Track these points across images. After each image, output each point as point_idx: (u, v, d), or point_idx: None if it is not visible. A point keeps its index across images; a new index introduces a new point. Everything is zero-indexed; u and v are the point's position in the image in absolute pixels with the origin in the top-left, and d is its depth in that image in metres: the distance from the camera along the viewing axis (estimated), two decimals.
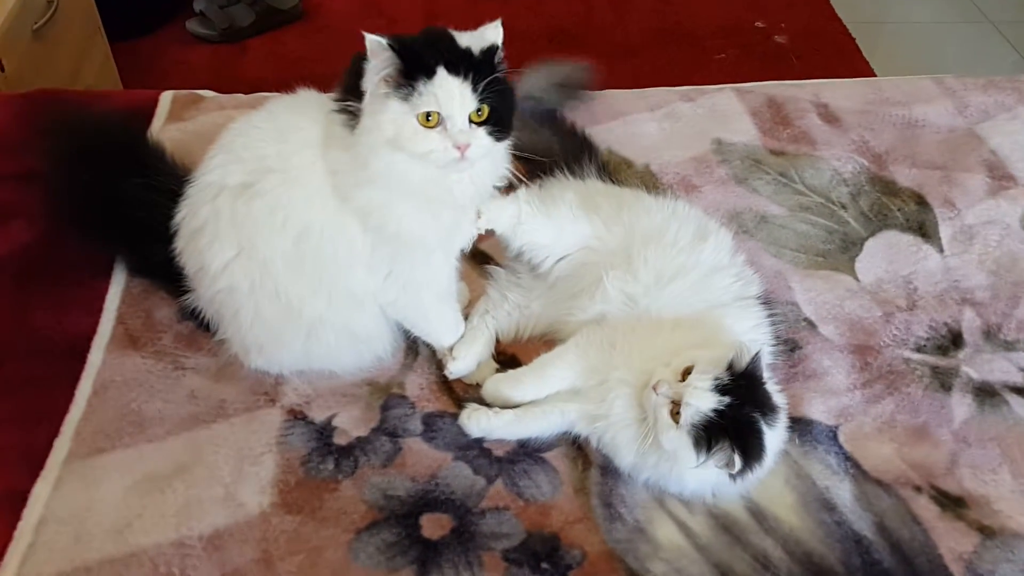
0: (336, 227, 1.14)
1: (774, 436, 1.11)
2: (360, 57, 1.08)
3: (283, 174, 1.13)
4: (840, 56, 3.07)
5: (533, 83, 1.63)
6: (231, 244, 1.15)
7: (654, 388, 1.08)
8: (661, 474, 1.13)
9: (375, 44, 1.03)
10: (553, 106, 1.66)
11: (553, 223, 1.35)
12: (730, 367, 1.08)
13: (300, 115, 1.17)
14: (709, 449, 1.05)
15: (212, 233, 1.16)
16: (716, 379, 1.06)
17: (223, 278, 1.17)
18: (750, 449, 1.06)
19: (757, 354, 1.09)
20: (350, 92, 1.10)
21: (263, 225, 1.13)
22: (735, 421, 1.05)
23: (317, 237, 1.14)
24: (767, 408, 1.09)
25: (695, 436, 1.06)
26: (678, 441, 1.07)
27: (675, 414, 1.07)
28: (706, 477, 1.10)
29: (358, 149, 1.09)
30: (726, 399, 1.05)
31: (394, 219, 1.13)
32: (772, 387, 1.15)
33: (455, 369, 1.27)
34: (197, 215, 1.17)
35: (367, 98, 1.07)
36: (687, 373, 1.09)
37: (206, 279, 1.19)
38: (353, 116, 1.09)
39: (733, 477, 1.07)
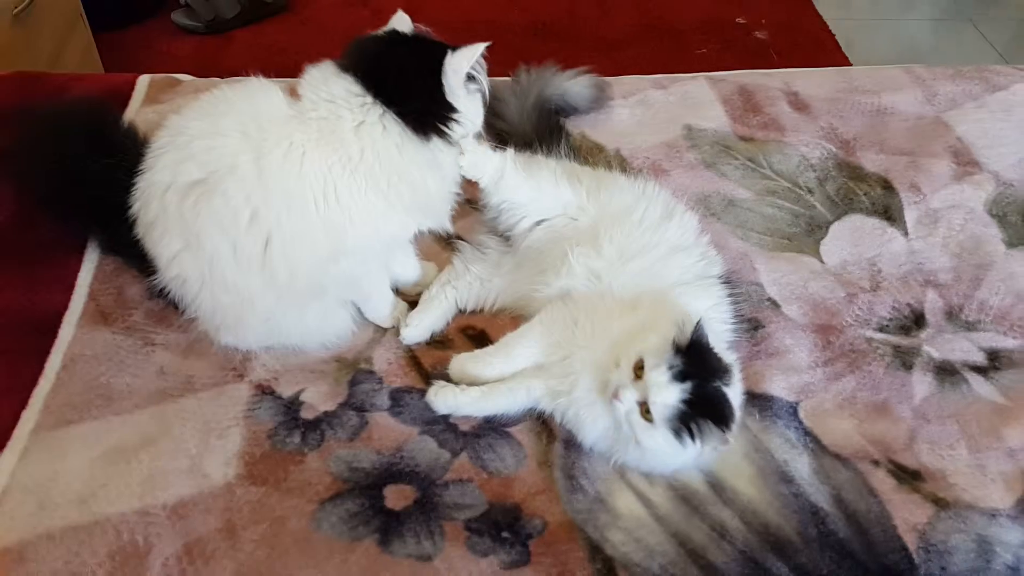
0: (303, 228, 1.13)
1: (735, 393, 1.13)
2: (423, 50, 1.15)
3: (250, 175, 1.10)
4: (820, 51, 3.11)
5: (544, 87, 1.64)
6: (178, 238, 1.16)
7: (615, 397, 1.09)
8: (621, 448, 1.14)
9: None
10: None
11: (535, 184, 1.35)
12: (676, 347, 1.08)
13: (261, 110, 1.15)
14: (693, 436, 1.06)
15: (162, 226, 1.16)
16: (671, 367, 1.07)
17: (173, 268, 1.19)
18: (726, 417, 1.07)
19: (698, 323, 1.10)
20: (414, 94, 1.14)
21: (214, 223, 1.12)
22: (705, 400, 1.06)
23: (280, 238, 1.13)
24: (722, 371, 1.11)
25: (674, 429, 1.07)
26: (660, 438, 1.08)
27: (645, 412, 1.08)
28: (673, 451, 1.10)
29: (427, 159, 1.16)
30: (688, 385, 1.06)
31: (395, 223, 1.17)
32: (718, 347, 1.16)
33: (407, 335, 1.30)
34: (148, 209, 1.18)
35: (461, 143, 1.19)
36: (640, 368, 1.09)
37: (160, 267, 1.21)
38: (427, 128, 1.14)
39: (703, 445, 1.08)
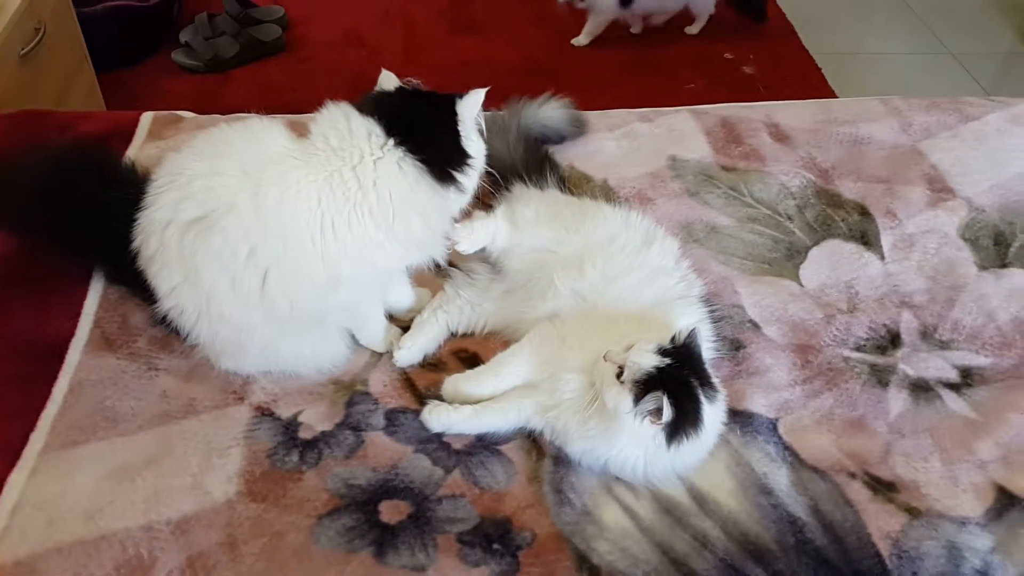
0: (300, 262, 1.17)
1: (713, 412, 1.18)
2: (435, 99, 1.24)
3: (248, 213, 1.15)
4: (806, 86, 3.16)
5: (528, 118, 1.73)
6: (177, 272, 1.21)
7: (604, 358, 1.16)
8: (598, 437, 1.18)
9: None
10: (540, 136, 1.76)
11: (519, 231, 1.44)
12: (672, 340, 1.16)
13: (261, 148, 1.20)
14: (642, 402, 1.11)
15: (161, 260, 1.21)
16: (658, 345, 1.14)
17: (171, 299, 1.24)
18: (684, 408, 1.12)
19: (694, 330, 1.17)
20: (437, 143, 1.22)
21: (212, 258, 1.17)
22: (672, 379, 1.12)
23: (277, 276, 1.18)
24: (704, 378, 1.17)
25: (635, 393, 1.12)
26: (619, 396, 1.13)
27: (620, 377, 1.13)
28: (639, 439, 1.15)
29: (441, 207, 1.24)
30: (666, 360, 1.13)
31: (393, 255, 1.23)
32: (711, 371, 1.22)
33: (400, 357, 1.36)
34: (149, 244, 1.22)
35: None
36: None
37: (160, 298, 1.26)
38: (446, 176, 1.22)
39: (667, 438, 1.13)
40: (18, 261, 1.46)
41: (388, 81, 1.27)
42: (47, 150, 1.58)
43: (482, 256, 1.47)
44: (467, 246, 1.43)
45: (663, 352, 1.14)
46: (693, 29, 3.38)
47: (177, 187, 1.19)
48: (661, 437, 1.14)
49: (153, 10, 3.04)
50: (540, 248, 1.42)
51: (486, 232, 1.45)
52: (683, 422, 1.14)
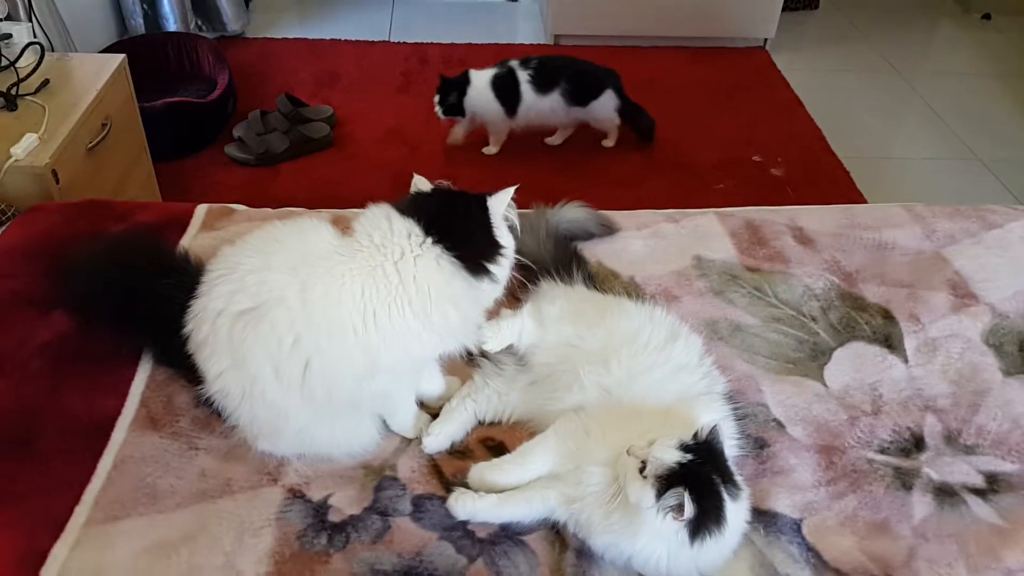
0: (341, 352, 1.24)
1: (736, 510, 1.19)
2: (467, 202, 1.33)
3: (296, 306, 1.22)
4: (835, 189, 3.23)
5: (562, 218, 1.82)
6: (226, 358, 1.28)
7: (627, 452, 1.19)
8: (621, 531, 1.20)
9: None
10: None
11: (544, 328, 1.51)
12: (694, 436, 1.19)
13: (309, 245, 1.28)
14: (674, 503, 1.13)
15: (211, 346, 1.29)
16: (681, 441, 1.17)
17: (218, 383, 1.31)
18: (706, 505, 1.14)
19: (716, 427, 1.20)
20: (472, 242, 1.30)
21: (259, 347, 1.24)
22: (694, 475, 1.14)
23: (319, 364, 1.25)
24: (727, 475, 1.19)
25: (658, 488, 1.14)
26: (642, 491, 1.15)
27: (643, 472, 1.16)
28: (662, 535, 1.16)
29: (474, 298, 1.32)
30: (688, 456, 1.15)
31: (427, 343, 1.29)
32: (734, 469, 1.24)
33: (429, 444, 1.41)
34: (200, 330, 1.30)
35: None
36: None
37: (207, 381, 1.33)
38: (479, 270, 1.30)
39: (689, 535, 1.14)
40: (74, 340, 1.54)
41: (420, 183, 1.36)
42: (107, 238, 1.70)
43: (510, 350, 1.53)
44: (494, 344, 1.49)
45: (685, 448, 1.17)
46: (608, 142, 3.38)
47: (231, 280, 1.27)
48: (684, 533, 1.15)
49: (209, 106, 3.22)
50: (564, 343, 1.47)
51: (512, 330, 1.51)
52: (705, 519, 1.15)
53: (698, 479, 1.15)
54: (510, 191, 1.33)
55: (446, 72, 3.18)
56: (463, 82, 3.10)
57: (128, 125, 2.54)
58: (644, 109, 3.35)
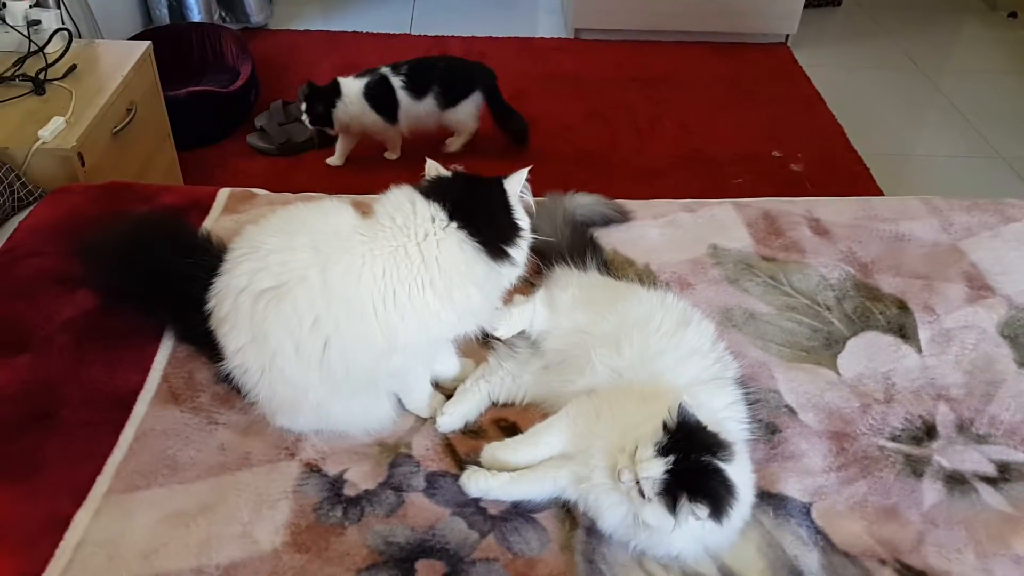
0: (361, 330, 1.26)
1: (739, 468, 1.20)
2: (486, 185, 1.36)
3: (316, 285, 1.25)
4: (855, 185, 3.23)
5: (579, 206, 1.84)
6: (246, 333, 1.31)
7: (618, 478, 1.19)
8: (655, 545, 1.22)
9: None
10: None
11: (556, 314, 1.52)
12: (665, 427, 1.19)
13: (331, 226, 1.30)
14: (675, 508, 1.14)
15: (232, 322, 1.32)
16: (656, 444, 1.17)
17: (238, 358, 1.33)
18: (712, 489, 1.15)
19: (680, 404, 1.20)
20: (494, 226, 1.32)
21: (280, 324, 1.26)
22: (687, 472, 1.15)
23: (338, 342, 1.27)
24: (715, 446, 1.19)
25: (665, 502, 1.15)
26: (655, 512, 1.16)
27: (641, 492, 1.17)
28: (692, 533, 1.18)
29: (494, 281, 1.34)
30: (671, 458, 1.15)
31: (446, 323, 1.31)
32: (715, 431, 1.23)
33: (443, 423, 1.43)
34: (222, 306, 1.33)
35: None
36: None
37: (227, 356, 1.36)
38: (499, 254, 1.32)
39: (715, 519, 1.15)
40: (98, 317, 1.58)
41: (433, 168, 1.38)
42: (131, 218, 1.73)
43: (522, 335, 1.54)
44: (504, 331, 1.51)
45: (664, 448, 1.16)
46: (452, 145, 3.21)
47: (254, 259, 1.30)
48: (710, 522, 1.16)
49: (232, 96, 3.26)
50: (577, 330, 1.49)
51: (523, 317, 1.53)
52: (720, 500, 1.16)
53: (694, 474, 1.16)
54: (524, 172, 1.35)
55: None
56: (332, 92, 2.96)
57: (152, 111, 2.59)
58: (517, 111, 3.23)
